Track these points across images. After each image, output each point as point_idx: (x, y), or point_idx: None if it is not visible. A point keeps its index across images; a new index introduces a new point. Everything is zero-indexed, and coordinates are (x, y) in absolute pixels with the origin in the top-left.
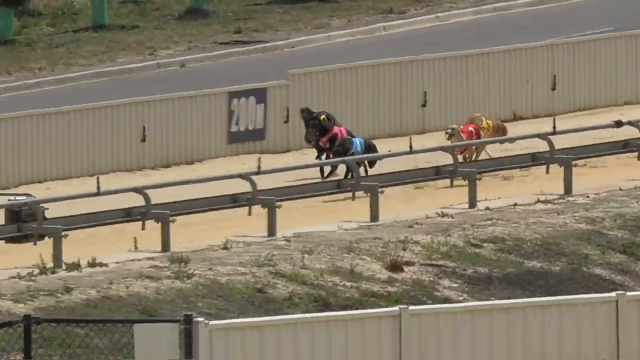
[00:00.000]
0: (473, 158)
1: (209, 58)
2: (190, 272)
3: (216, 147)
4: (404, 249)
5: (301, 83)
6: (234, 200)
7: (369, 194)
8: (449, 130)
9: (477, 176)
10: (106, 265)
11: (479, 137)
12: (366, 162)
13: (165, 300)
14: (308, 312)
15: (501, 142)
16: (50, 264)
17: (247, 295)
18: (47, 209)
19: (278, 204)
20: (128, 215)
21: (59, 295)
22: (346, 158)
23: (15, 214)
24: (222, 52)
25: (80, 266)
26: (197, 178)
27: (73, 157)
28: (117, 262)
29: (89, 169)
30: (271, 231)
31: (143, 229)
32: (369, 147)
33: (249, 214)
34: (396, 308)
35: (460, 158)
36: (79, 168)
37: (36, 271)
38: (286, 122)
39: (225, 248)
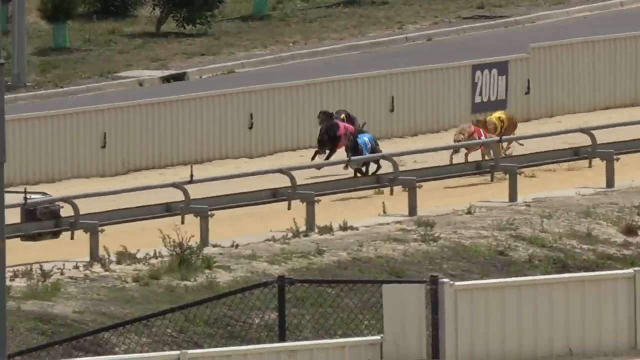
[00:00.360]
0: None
1: (454, 32)
2: (435, 235)
3: (461, 117)
4: (639, 214)
5: (541, 56)
6: (477, 167)
7: (605, 161)
8: (456, 136)
9: None
10: (356, 228)
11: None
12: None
13: (412, 262)
14: (547, 273)
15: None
16: (303, 228)
17: (489, 257)
18: (62, 207)
19: (520, 170)
20: (378, 182)
21: (311, 257)
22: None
23: (31, 213)
24: (466, 27)
25: (332, 229)
26: (442, 145)
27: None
28: (367, 226)
29: None
30: (512, 196)
31: (392, 194)
32: (376, 145)
33: (491, 179)
34: (631, 270)
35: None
36: None
37: (290, 234)
38: (527, 93)
39: (468, 213)
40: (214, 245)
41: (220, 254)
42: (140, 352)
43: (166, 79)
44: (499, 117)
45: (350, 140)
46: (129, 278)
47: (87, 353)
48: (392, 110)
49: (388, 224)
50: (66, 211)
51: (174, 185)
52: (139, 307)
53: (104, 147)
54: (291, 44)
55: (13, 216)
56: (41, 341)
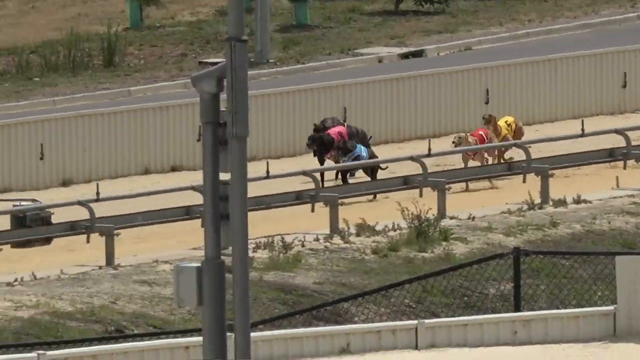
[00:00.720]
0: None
1: None
2: None
3: None
4: None
5: None
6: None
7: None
8: (455, 140)
9: None
10: (590, 202)
11: (489, 140)
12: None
13: None
14: None
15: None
16: (537, 201)
17: None
18: (53, 213)
19: None
20: (610, 155)
21: (546, 229)
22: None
23: (20, 220)
24: None
25: (566, 203)
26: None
27: (560, 100)
28: (600, 200)
29: (574, 112)
30: None
31: (624, 168)
32: (372, 156)
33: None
34: None
35: (471, 162)
36: (564, 112)
37: (525, 207)
38: None
39: None
40: (451, 218)
41: (457, 226)
42: (379, 321)
43: (404, 56)
44: (507, 122)
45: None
46: (368, 250)
47: (327, 322)
48: (624, 86)
49: (621, 197)
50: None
51: (411, 158)
52: (378, 278)
53: (344, 121)
54: (526, 22)
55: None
56: (282, 310)
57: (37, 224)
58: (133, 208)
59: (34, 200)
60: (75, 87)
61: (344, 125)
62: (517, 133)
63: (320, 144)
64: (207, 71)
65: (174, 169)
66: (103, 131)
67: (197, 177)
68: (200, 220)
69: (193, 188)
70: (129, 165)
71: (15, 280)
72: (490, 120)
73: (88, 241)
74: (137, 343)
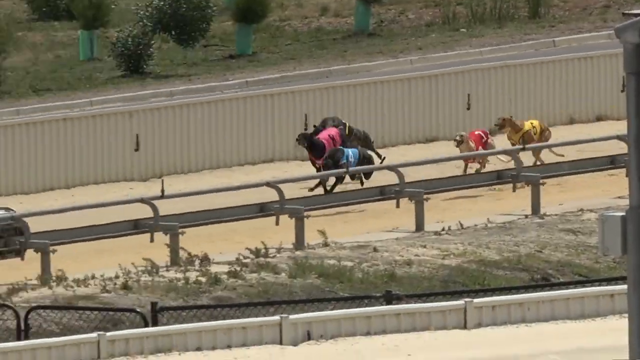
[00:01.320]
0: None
1: None
2: None
3: None
4: None
5: None
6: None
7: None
8: (457, 138)
9: None
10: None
11: (487, 140)
12: (362, 173)
13: None
14: None
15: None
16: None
17: None
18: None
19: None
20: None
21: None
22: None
23: None
24: None
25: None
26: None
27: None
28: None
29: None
30: None
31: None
32: (363, 158)
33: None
34: None
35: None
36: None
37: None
38: None
39: None
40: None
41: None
42: None
43: None
44: (532, 124)
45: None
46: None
47: None
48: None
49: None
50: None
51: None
52: None
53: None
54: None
55: None
56: None
57: (9, 235)
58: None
59: (7, 209)
60: (501, 38)
61: (337, 128)
62: (542, 136)
63: (310, 146)
64: (630, 22)
65: (598, 119)
66: (529, 81)
67: (621, 127)
68: (624, 169)
69: (619, 137)
70: (554, 114)
71: (443, 229)
72: (504, 125)
73: (514, 190)
74: (563, 291)
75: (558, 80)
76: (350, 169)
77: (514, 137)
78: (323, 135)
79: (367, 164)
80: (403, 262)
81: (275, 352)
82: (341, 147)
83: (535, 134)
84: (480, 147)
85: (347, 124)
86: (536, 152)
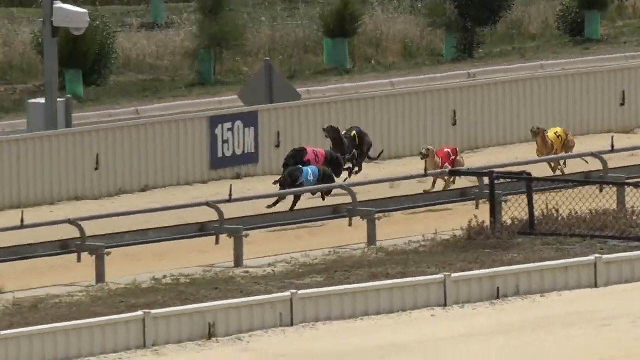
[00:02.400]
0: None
1: None
2: None
3: None
4: None
5: None
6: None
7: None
8: (423, 151)
9: None
10: None
11: (456, 157)
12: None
13: None
14: None
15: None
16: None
17: None
18: None
19: None
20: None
21: None
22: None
23: None
24: None
25: None
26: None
27: None
28: None
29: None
30: None
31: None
32: (324, 176)
33: None
34: None
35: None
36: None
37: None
38: None
39: None
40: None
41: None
42: None
43: None
44: (556, 133)
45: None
46: None
47: None
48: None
49: None
50: None
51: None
52: None
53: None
54: None
55: None
56: None
57: None
58: None
59: None
60: None
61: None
62: (567, 145)
63: (295, 162)
64: None
65: None
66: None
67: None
68: None
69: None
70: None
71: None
72: (538, 133)
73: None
74: None
75: None
76: (308, 187)
77: (543, 151)
78: (310, 150)
79: (328, 181)
80: None
81: None
82: (300, 166)
83: (557, 145)
84: (446, 164)
85: (356, 133)
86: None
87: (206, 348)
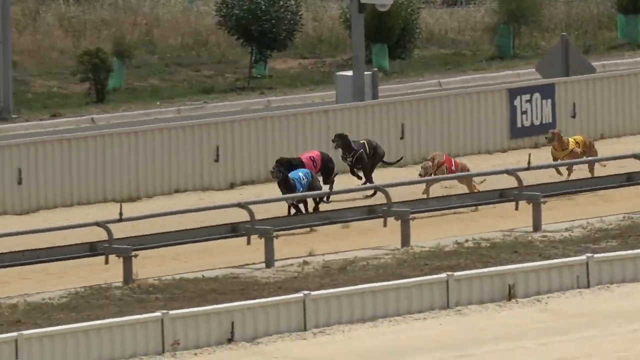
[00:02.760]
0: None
1: None
2: None
3: None
4: None
5: None
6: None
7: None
8: (421, 172)
9: None
10: None
11: (457, 169)
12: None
13: None
14: None
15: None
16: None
17: None
18: None
19: None
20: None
21: None
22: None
23: None
24: None
25: None
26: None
27: None
28: None
29: None
30: None
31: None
32: (315, 180)
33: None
34: None
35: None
36: None
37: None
38: None
39: None
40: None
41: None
42: None
43: None
44: (575, 140)
45: (282, 175)
46: None
47: None
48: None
49: None
50: None
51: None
52: None
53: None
54: None
55: None
56: None
57: None
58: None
59: None
60: None
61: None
62: (589, 150)
63: (288, 168)
64: None
65: None
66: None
67: None
68: None
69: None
70: None
71: None
72: (553, 138)
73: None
74: None
75: None
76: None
77: (559, 154)
78: (305, 156)
79: (316, 188)
80: None
81: None
82: (290, 180)
83: (579, 152)
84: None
85: (366, 143)
86: (590, 166)
87: (506, 308)
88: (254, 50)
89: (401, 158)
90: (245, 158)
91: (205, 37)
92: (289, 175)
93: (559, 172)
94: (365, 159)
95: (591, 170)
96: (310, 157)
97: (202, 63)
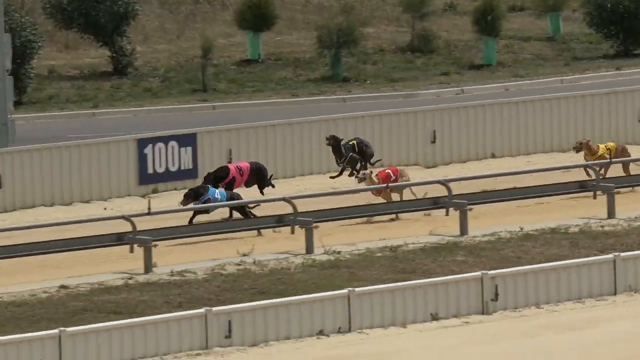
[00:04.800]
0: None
1: None
2: None
3: None
4: None
5: None
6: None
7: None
8: (360, 176)
9: None
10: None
11: (397, 178)
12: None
13: None
14: None
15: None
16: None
17: None
18: None
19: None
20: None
21: None
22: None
23: None
24: None
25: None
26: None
27: None
28: None
29: None
30: None
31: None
32: (231, 199)
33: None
34: None
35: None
36: None
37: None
38: None
39: None
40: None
41: None
42: None
43: None
44: (605, 147)
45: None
46: None
47: None
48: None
49: None
50: None
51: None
52: None
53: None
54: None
55: None
56: None
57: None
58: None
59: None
60: None
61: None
62: (621, 154)
63: (215, 177)
64: None
65: None
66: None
67: None
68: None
69: None
70: None
71: None
72: (581, 147)
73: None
74: None
75: None
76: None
77: (590, 160)
78: (233, 165)
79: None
80: None
81: None
82: (207, 185)
83: (609, 157)
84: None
85: (355, 143)
86: (625, 166)
87: None
88: None
89: (379, 160)
90: None
91: None
92: (209, 187)
93: (587, 174)
94: (357, 159)
95: (625, 170)
96: (237, 167)
97: None
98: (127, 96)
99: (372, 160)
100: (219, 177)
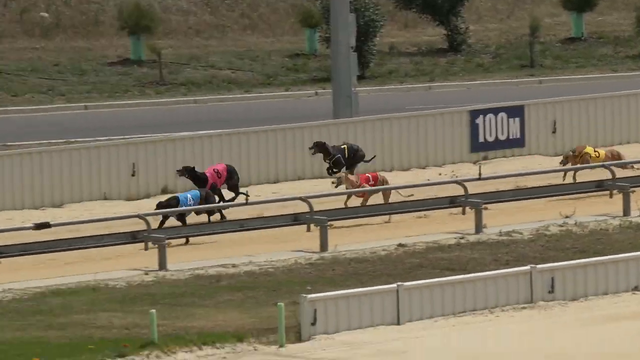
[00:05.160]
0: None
1: None
2: None
3: None
4: None
5: None
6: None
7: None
8: (334, 180)
9: None
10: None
11: (375, 182)
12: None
13: None
14: None
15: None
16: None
17: None
18: None
19: None
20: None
21: None
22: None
23: None
24: None
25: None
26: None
27: None
28: None
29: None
30: None
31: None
32: (205, 199)
33: None
34: None
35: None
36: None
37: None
38: None
39: None
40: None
41: None
42: None
43: None
44: (597, 152)
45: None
46: None
47: None
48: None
49: None
50: None
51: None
52: None
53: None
54: None
55: None
56: None
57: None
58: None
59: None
60: None
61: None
62: (612, 159)
63: (192, 178)
64: None
65: None
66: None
67: None
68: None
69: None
70: None
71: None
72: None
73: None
74: None
75: None
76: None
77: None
78: (208, 170)
79: (210, 202)
80: None
81: None
82: (177, 195)
83: (589, 160)
84: (364, 185)
85: (346, 147)
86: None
87: None
88: None
89: (374, 157)
90: None
91: None
92: (178, 196)
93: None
94: (342, 163)
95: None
96: (214, 169)
97: None
98: (460, 71)
99: (366, 158)
100: (199, 185)
